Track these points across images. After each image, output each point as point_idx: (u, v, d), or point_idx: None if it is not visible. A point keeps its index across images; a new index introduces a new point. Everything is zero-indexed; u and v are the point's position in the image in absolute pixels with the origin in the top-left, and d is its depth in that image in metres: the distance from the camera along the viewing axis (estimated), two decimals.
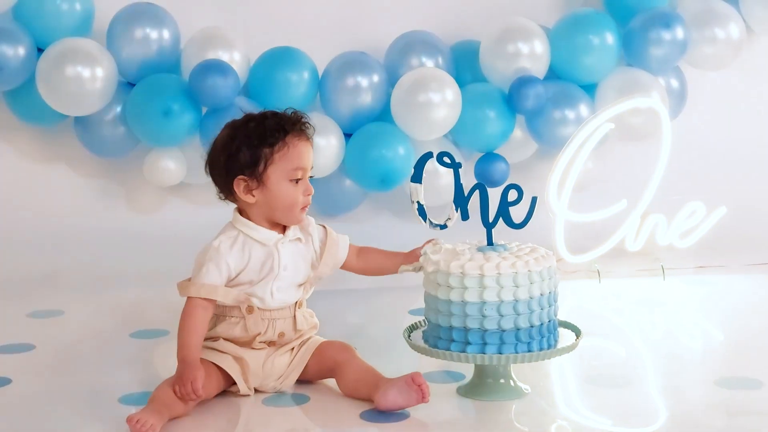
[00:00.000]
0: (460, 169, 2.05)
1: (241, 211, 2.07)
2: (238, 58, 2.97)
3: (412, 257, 2.11)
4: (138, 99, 2.92)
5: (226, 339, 2.05)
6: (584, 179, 2.89)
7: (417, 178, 2.08)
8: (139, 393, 2.06)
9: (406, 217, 3.08)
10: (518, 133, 3.07)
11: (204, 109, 2.94)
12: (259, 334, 2.04)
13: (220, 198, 2.09)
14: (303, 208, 2.05)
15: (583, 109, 2.99)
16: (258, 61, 3.01)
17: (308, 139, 2.05)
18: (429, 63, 3.05)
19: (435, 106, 2.90)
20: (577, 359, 2.18)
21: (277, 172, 2.01)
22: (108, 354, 2.34)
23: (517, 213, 2.03)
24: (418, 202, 2.09)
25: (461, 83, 2.99)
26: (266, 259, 2.04)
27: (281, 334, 2.06)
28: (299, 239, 2.08)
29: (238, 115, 2.82)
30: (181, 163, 2.99)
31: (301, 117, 2.05)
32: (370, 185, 3.02)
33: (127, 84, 2.99)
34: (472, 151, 3.07)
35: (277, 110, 2.07)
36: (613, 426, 1.91)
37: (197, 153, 2.98)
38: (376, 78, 3.00)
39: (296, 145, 2.02)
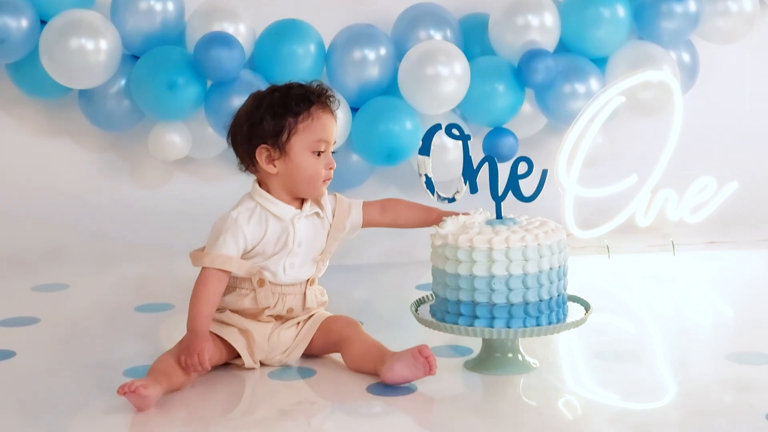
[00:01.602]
0: (468, 142, 2.02)
1: (260, 183, 2.05)
2: (243, 31, 2.93)
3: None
4: (142, 72, 2.89)
5: (233, 311, 2.04)
6: (594, 154, 2.86)
7: (425, 150, 2.05)
8: (144, 366, 2.03)
9: (414, 193, 3.05)
10: (527, 107, 3.03)
11: (209, 83, 2.91)
12: (267, 307, 2.03)
13: (240, 169, 2.07)
14: (324, 181, 2.04)
15: (594, 82, 2.95)
16: (263, 34, 2.98)
17: (332, 112, 2.04)
18: (437, 36, 3.01)
19: (443, 79, 2.86)
20: (585, 334, 2.16)
21: (300, 142, 2.00)
22: (113, 327, 2.33)
23: (527, 186, 2.00)
24: (426, 175, 2.07)
25: (470, 56, 2.95)
26: (281, 234, 2.02)
27: (290, 310, 2.05)
28: (317, 214, 2.06)
29: (243, 89, 2.84)
30: (186, 137, 2.96)
31: (327, 90, 2.04)
32: (377, 160, 2.99)
33: (132, 57, 2.96)
34: (481, 126, 3.04)
35: (303, 82, 2.05)
36: (621, 401, 1.89)
37: (202, 127, 2.97)
38: (383, 51, 2.96)
39: (320, 117, 2.01)
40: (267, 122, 2.00)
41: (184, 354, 1.91)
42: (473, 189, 2.02)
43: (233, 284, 2.03)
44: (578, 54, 3.01)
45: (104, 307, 2.49)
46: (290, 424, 1.81)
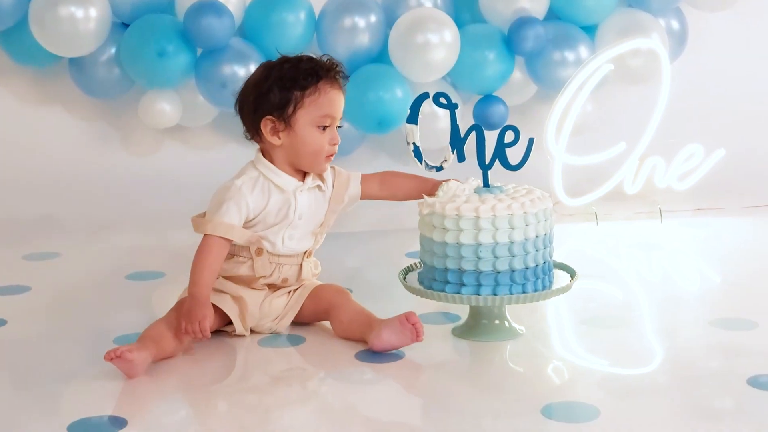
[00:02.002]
0: (456, 110, 2.03)
1: (263, 153, 2.05)
2: None
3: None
4: (132, 40, 2.88)
5: (226, 277, 2.05)
6: (583, 122, 2.87)
7: (413, 119, 2.06)
8: (135, 334, 2.04)
9: (405, 161, 3.07)
10: (517, 74, 3.03)
11: (199, 51, 2.91)
12: (263, 276, 2.04)
13: (246, 138, 2.07)
14: (328, 157, 2.04)
15: (583, 50, 2.96)
16: (254, 1, 2.97)
17: (341, 88, 2.03)
18: (427, 3, 3.01)
19: (433, 47, 2.86)
20: (573, 301, 2.18)
21: (305, 116, 2.00)
22: (104, 296, 2.34)
23: (514, 155, 2.01)
24: (414, 143, 2.08)
25: (460, 24, 2.95)
26: (283, 205, 2.03)
27: (285, 280, 2.07)
28: (318, 187, 2.07)
29: (234, 57, 2.84)
30: (177, 105, 2.96)
31: (336, 65, 2.04)
32: (368, 128, 2.99)
33: (122, 24, 2.96)
34: (471, 94, 3.04)
35: (314, 55, 2.05)
36: (608, 366, 1.91)
37: (193, 95, 2.97)
38: (373, 18, 2.96)
39: (328, 92, 2.01)
40: (274, 94, 1.99)
41: (185, 320, 1.92)
42: (461, 158, 2.03)
43: (230, 251, 2.04)
44: (568, 21, 3.01)
45: (95, 275, 2.50)
46: (285, 390, 1.84)
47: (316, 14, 2.99)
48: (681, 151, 2.81)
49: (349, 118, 3.00)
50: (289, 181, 2.03)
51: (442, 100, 2.03)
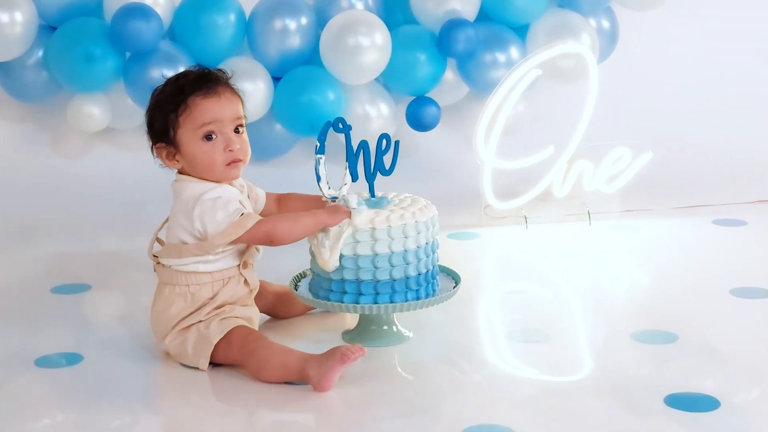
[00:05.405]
0: (350, 132, 2.04)
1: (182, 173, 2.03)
2: (162, 1, 2.89)
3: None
4: (59, 44, 2.84)
5: (230, 304, 2.01)
6: (514, 123, 2.87)
7: (321, 150, 2.05)
8: (58, 354, 2.03)
9: (338, 162, 3.06)
10: (450, 75, 3.04)
11: (127, 54, 2.87)
12: (256, 287, 2.05)
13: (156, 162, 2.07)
14: (231, 164, 1.99)
15: (514, 51, 2.97)
16: (183, 4, 2.94)
17: (216, 93, 1.99)
18: (359, 5, 3.00)
19: (364, 50, 2.85)
20: (498, 307, 2.20)
21: (185, 134, 1.98)
22: (26, 311, 2.29)
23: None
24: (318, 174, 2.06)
25: (393, 25, 2.94)
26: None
27: (256, 285, 2.07)
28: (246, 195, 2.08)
29: (163, 60, 2.81)
30: (106, 108, 2.93)
31: (207, 73, 2.01)
32: (300, 130, 2.98)
33: (49, 27, 2.91)
34: (403, 95, 3.04)
35: (190, 68, 2.04)
36: (540, 374, 1.94)
37: (122, 98, 2.93)
38: (304, 20, 2.94)
39: (198, 104, 1.97)
40: (157, 121, 2.00)
41: (330, 214, 1.96)
42: (354, 177, 2.05)
43: (221, 278, 2.00)
44: (499, 22, 3.01)
45: (18, 287, 2.42)
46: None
47: (247, 16, 2.96)
48: (609, 154, 2.82)
49: (281, 120, 2.99)
50: (234, 190, 2.01)
51: (341, 125, 2.03)
